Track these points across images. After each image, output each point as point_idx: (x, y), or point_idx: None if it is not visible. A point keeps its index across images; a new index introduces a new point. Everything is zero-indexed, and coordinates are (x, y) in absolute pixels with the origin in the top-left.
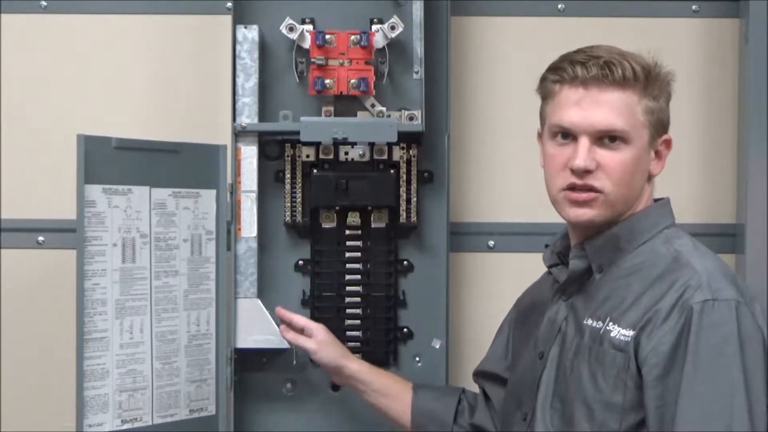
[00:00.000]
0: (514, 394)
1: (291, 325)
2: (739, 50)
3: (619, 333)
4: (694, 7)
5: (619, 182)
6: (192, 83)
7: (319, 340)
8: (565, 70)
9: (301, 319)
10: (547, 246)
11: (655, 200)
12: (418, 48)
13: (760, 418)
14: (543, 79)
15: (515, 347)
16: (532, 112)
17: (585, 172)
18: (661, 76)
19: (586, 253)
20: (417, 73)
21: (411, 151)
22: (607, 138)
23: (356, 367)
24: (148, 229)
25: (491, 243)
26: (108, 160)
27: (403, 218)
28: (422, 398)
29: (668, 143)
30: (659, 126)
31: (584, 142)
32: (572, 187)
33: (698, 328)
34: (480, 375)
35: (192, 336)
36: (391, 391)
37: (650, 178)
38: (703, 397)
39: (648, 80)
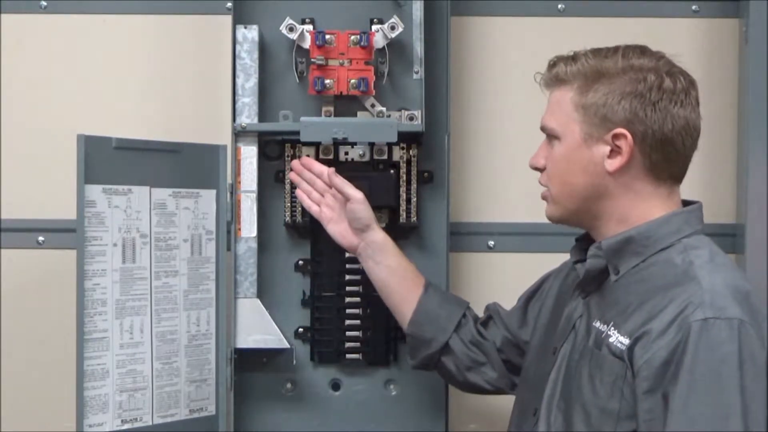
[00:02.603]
0: (530, 384)
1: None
2: (739, 50)
3: (617, 339)
4: (694, 7)
5: (551, 178)
6: (192, 83)
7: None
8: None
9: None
10: (577, 240)
11: (686, 203)
12: (418, 48)
13: None
14: None
15: (541, 330)
16: (532, 111)
17: (540, 170)
18: (613, 72)
19: (603, 253)
20: (417, 73)
21: (411, 151)
22: (549, 136)
23: (384, 234)
24: (148, 229)
25: (491, 243)
26: (108, 160)
27: (403, 218)
28: (430, 298)
29: (625, 138)
30: (601, 121)
31: (543, 141)
32: None
33: (695, 347)
34: (495, 311)
35: (192, 336)
36: (405, 273)
37: (614, 175)
38: (697, 418)
39: (586, 77)
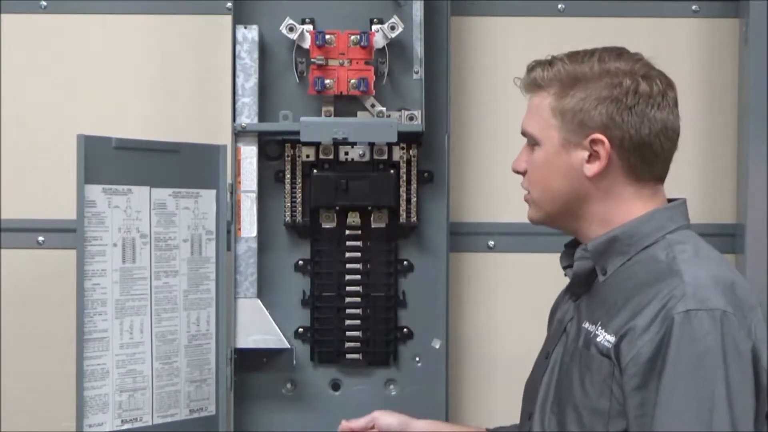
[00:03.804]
0: (527, 391)
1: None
2: (739, 50)
3: (604, 338)
4: (694, 7)
5: (531, 182)
6: (192, 83)
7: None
8: None
9: (360, 420)
10: (566, 246)
11: (670, 200)
12: (418, 48)
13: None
14: None
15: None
16: None
17: (522, 174)
18: (590, 76)
19: (590, 254)
20: (417, 73)
21: (411, 151)
22: (529, 140)
23: (423, 421)
24: (148, 229)
25: (491, 243)
26: (108, 160)
27: (403, 218)
28: None
29: (603, 144)
30: (578, 126)
31: (524, 145)
32: None
33: (679, 340)
34: None
35: (192, 336)
36: None
37: (593, 179)
38: (682, 411)
39: (563, 82)
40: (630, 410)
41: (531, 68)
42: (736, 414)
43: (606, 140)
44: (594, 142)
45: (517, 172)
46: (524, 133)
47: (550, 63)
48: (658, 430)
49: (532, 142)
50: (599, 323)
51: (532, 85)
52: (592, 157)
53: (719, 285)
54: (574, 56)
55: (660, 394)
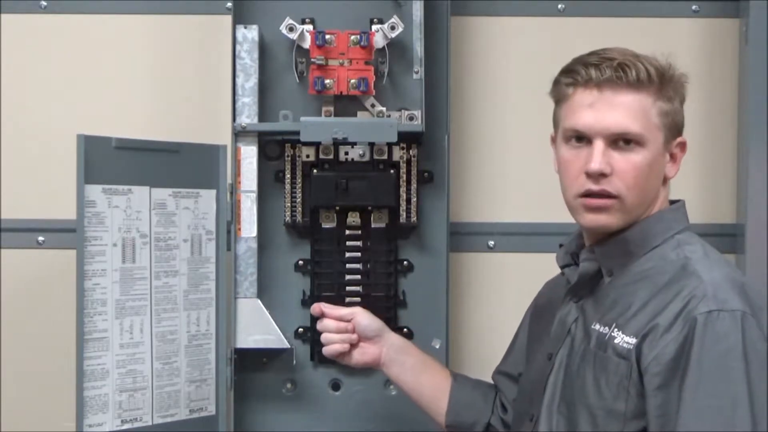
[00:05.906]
0: (524, 393)
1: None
2: (739, 50)
3: (623, 340)
4: (694, 7)
5: (634, 186)
6: (192, 83)
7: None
8: (579, 73)
9: (341, 310)
10: (561, 245)
11: (671, 202)
12: (418, 48)
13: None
14: (556, 82)
15: (530, 344)
16: (532, 111)
17: (601, 176)
18: (675, 77)
19: (596, 256)
20: (417, 73)
21: (411, 151)
22: (621, 141)
23: (397, 339)
24: (148, 229)
25: (491, 243)
26: (108, 160)
27: (403, 218)
28: (462, 385)
29: (683, 146)
30: (673, 128)
31: (599, 145)
32: (588, 194)
33: (702, 340)
34: (503, 374)
35: (192, 336)
36: (433, 366)
37: (665, 181)
38: (705, 409)
39: (662, 82)
40: (651, 410)
41: (624, 65)
42: (756, 413)
43: (685, 142)
44: (679, 145)
45: (602, 175)
46: (625, 134)
47: (643, 60)
48: (682, 430)
49: (634, 143)
50: (614, 325)
51: (634, 82)
52: (671, 158)
53: (735, 286)
54: (645, 56)
55: (684, 393)
